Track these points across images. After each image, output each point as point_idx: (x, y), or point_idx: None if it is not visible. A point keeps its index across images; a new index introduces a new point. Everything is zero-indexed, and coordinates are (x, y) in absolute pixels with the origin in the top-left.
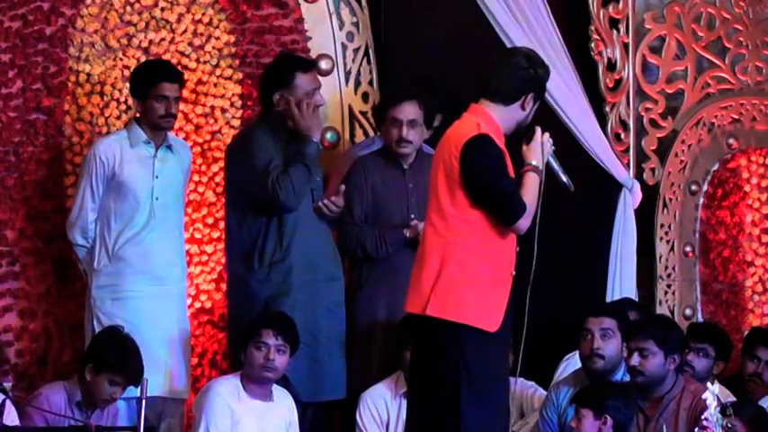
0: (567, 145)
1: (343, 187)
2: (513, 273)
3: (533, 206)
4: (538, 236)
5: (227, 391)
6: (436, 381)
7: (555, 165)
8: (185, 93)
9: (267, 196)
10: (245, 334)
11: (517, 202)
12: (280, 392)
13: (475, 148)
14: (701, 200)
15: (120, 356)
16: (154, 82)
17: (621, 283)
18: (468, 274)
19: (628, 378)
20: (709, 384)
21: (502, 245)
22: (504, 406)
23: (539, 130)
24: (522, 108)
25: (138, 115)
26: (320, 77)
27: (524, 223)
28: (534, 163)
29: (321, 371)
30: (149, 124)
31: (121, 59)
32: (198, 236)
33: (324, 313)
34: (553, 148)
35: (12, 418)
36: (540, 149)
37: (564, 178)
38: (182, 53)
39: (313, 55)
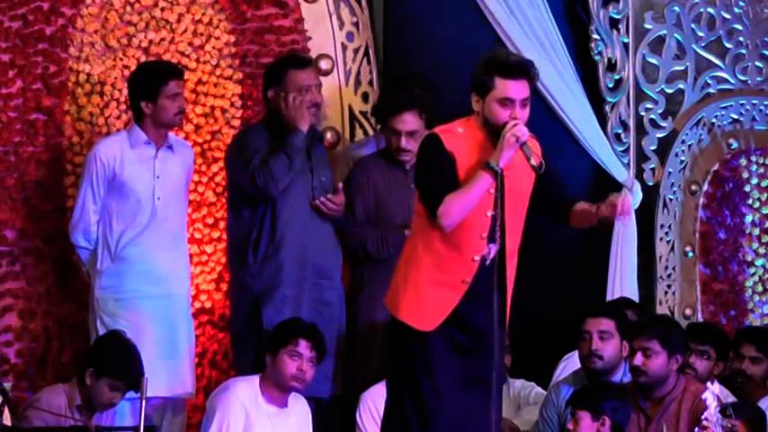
0: (567, 145)
1: (340, 185)
2: (468, 281)
3: (460, 205)
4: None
5: (244, 393)
6: (389, 373)
7: (526, 151)
8: (185, 93)
9: (249, 183)
10: (276, 339)
11: (434, 199)
12: (295, 399)
13: (420, 146)
14: (701, 200)
15: (122, 362)
16: (163, 81)
17: (621, 283)
18: (411, 271)
19: (628, 379)
20: (708, 384)
21: (451, 249)
22: (439, 406)
23: (509, 123)
24: (474, 107)
25: (138, 118)
26: (320, 77)
27: (443, 221)
28: (490, 162)
29: None
30: (161, 124)
31: (121, 59)
32: (198, 236)
33: (309, 311)
34: (525, 138)
35: (5, 419)
36: (500, 144)
37: (532, 162)
38: (182, 53)
39: (313, 55)
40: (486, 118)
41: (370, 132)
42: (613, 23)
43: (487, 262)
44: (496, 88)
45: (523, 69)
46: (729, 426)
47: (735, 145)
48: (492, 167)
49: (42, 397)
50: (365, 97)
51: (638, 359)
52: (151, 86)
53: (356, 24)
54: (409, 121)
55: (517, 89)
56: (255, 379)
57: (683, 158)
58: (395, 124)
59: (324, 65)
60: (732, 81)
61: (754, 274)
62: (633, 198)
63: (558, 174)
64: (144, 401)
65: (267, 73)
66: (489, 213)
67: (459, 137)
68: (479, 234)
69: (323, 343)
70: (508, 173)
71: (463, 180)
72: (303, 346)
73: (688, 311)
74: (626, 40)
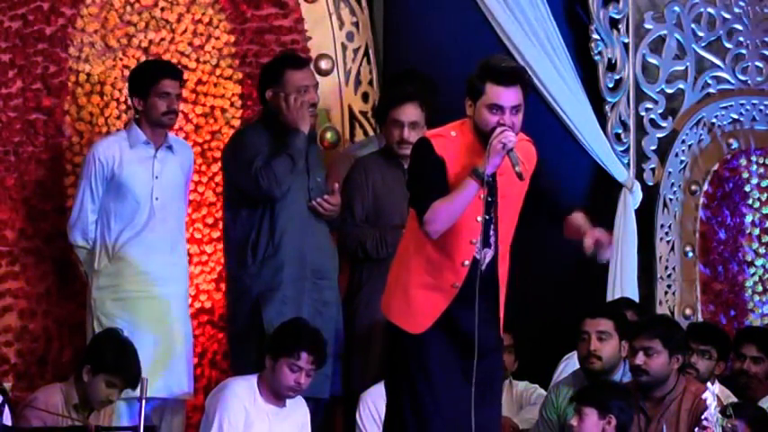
0: (567, 145)
1: (336, 185)
2: (458, 285)
3: (447, 212)
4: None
5: (243, 393)
6: (386, 374)
7: (512, 158)
8: (185, 93)
9: (251, 185)
10: (279, 344)
11: (422, 205)
12: (294, 398)
13: (411, 150)
14: (701, 200)
15: (119, 358)
16: (155, 79)
17: (621, 283)
18: (402, 273)
19: (627, 379)
20: (708, 384)
21: (440, 254)
22: (435, 406)
23: (497, 130)
24: (467, 111)
25: (136, 116)
26: (320, 77)
27: (430, 228)
28: (479, 168)
29: None
30: (152, 122)
31: (121, 59)
32: (198, 236)
33: (309, 311)
34: (511, 144)
35: (6, 419)
36: (487, 150)
37: (517, 168)
38: (182, 53)
39: (313, 55)
40: (477, 123)
41: (370, 132)
42: (613, 23)
43: (483, 266)
44: (486, 94)
45: (515, 76)
46: (730, 426)
47: (735, 145)
48: (479, 174)
49: (39, 396)
50: (365, 97)
51: (640, 358)
52: (144, 83)
53: (356, 24)
54: (411, 112)
55: (507, 96)
56: (253, 378)
57: (683, 158)
58: (396, 115)
59: (324, 65)
60: (732, 81)
61: (754, 274)
62: (633, 198)
63: (551, 183)
64: (144, 402)
65: (264, 72)
66: (479, 219)
67: (451, 141)
68: (468, 239)
69: (324, 352)
70: (500, 177)
71: (452, 185)
72: (304, 360)
73: (688, 311)
74: (626, 40)
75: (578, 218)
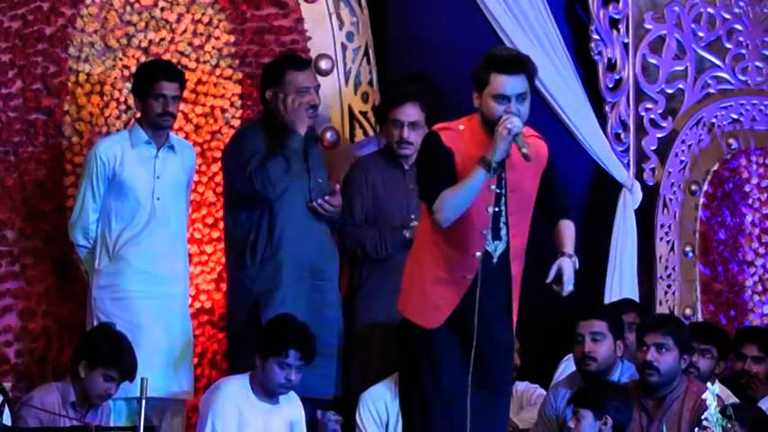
0: (567, 145)
1: (337, 186)
2: (469, 276)
3: (456, 200)
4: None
5: (236, 392)
6: (399, 373)
7: (518, 141)
8: (185, 93)
9: (246, 187)
10: (267, 344)
11: (431, 196)
12: (287, 395)
13: (420, 145)
14: (701, 200)
15: (114, 351)
16: (153, 80)
17: (621, 283)
18: (415, 270)
19: (625, 379)
20: (709, 384)
21: (452, 246)
22: (443, 405)
23: (503, 116)
24: (475, 103)
25: (138, 116)
26: (320, 77)
27: (439, 216)
28: (487, 156)
29: None
30: (149, 123)
31: (121, 59)
32: (198, 236)
33: (309, 312)
34: (517, 129)
35: (6, 419)
36: (494, 137)
37: (524, 150)
38: (182, 53)
39: (313, 55)
40: (484, 114)
41: (371, 132)
42: (613, 23)
43: (494, 260)
44: (491, 84)
45: (518, 64)
46: (729, 426)
47: (735, 145)
48: (487, 162)
49: (35, 396)
50: (365, 97)
51: (652, 354)
52: (141, 84)
53: (356, 24)
54: (411, 112)
55: (512, 84)
56: (246, 377)
57: (683, 158)
58: (396, 115)
59: (324, 65)
60: (732, 81)
61: (754, 274)
62: (633, 198)
63: (557, 183)
64: (144, 402)
65: (265, 72)
66: (490, 210)
67: (459, 134)
68: (479, 230)
69: (313, 347)
70: (510, 172)
71: (461, 177)
72: (292, 357)
73: (688, 311)
74: (626, 40)
75: (558, 235)
